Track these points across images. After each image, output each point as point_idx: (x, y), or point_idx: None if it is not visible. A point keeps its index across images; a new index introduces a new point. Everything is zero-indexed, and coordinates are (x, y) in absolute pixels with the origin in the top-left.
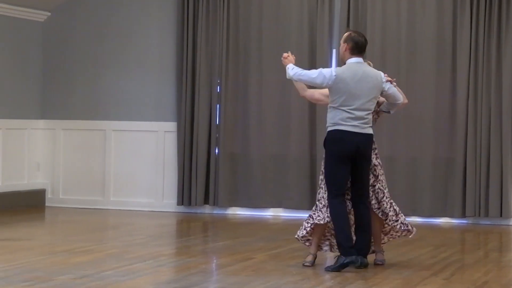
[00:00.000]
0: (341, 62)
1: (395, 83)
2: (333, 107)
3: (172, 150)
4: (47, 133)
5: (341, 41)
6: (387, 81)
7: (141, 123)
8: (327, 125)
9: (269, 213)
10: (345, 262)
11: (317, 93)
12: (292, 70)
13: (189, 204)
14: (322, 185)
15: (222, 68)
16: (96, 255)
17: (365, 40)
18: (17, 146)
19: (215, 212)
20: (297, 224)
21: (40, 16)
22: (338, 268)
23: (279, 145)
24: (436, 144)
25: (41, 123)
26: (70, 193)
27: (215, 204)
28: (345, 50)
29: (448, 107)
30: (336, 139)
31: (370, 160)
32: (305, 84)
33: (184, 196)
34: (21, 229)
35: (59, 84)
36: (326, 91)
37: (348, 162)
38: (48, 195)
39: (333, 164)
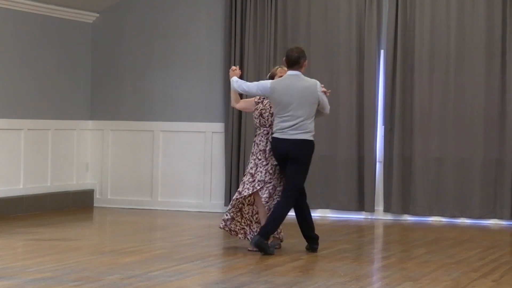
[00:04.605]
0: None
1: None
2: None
3: (219, 151)
4: (96, 134)
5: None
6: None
7: (189, 124)
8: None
9: (317, 214)
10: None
11: (242, 102)
12: (236, 82)
13: None
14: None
15: (270, 69)
16: (144, 256)
17: (296, 54)
18: (66, 147)
19: None
20: (345, 225)
21: (89, 17)
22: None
23: (327, 146)
24: (485, 145)
25: (90, 124)
26: (119, 194)
27: None
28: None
29: (497, 108)
30: None
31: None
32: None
33: (232, 196)
34: (69, 230)
35: (107, 85)
36: (249, 100)
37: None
38: (97, 195)
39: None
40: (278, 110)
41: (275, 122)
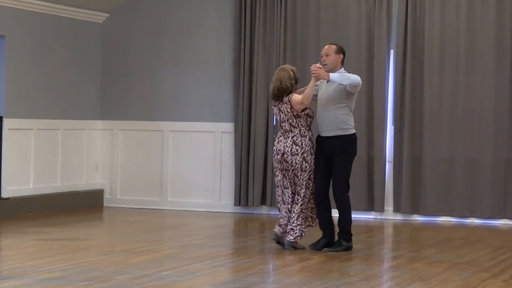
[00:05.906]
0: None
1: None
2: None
3: (229, 150)
4: (106, 133)
5: (333, 52)
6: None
7: (199, 123)
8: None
9: None
10: (350, 246)
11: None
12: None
13: (246, 204)
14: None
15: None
16: (154, 255)
17: None
18: (76, 146)
19: (272, 212)
20: (355, 225)
21: (99, 17)
22: (342, 250)
23: None
24: (495, 144)
25: (100, 123)
26: (128, 194)
27: (272, 204)
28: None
29: (507, 107)
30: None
31: None
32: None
33: (241, 196)
34: (79, 229)
35: (117, 85)
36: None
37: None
38: (106, 195)
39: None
40: (353, 105)
41: (352, 118)
